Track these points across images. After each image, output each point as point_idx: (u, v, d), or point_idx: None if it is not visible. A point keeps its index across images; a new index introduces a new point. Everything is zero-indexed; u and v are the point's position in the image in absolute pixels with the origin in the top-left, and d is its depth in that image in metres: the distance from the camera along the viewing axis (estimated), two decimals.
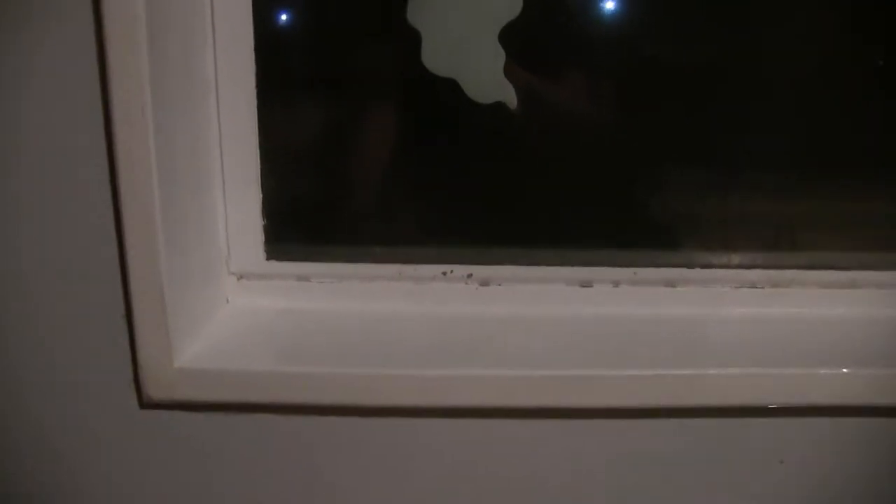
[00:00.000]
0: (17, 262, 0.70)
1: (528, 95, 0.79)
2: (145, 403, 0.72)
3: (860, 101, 0.83)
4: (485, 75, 0.78)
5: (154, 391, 0.70)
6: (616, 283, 0.83)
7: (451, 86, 0.77)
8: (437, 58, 0.77)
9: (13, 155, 0.67)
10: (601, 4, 0.78)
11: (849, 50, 0.82)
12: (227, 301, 0.82)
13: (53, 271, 0.70)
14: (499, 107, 0.78)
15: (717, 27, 0.81)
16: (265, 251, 0.82)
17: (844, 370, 0.71)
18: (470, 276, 0.82)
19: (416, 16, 0.76)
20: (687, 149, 0.84)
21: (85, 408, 0.74)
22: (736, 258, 0.84)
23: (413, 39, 0.76)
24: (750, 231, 0.86)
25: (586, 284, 0.83)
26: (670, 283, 0.83)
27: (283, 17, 0.79)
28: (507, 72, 0.78)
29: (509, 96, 0.78)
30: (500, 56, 0.77)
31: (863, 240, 0.87)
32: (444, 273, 0.82)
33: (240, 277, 0.82)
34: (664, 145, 0.83)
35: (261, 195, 0.80)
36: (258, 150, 0.78)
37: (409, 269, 0.82)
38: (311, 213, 0.85)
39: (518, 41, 0.77)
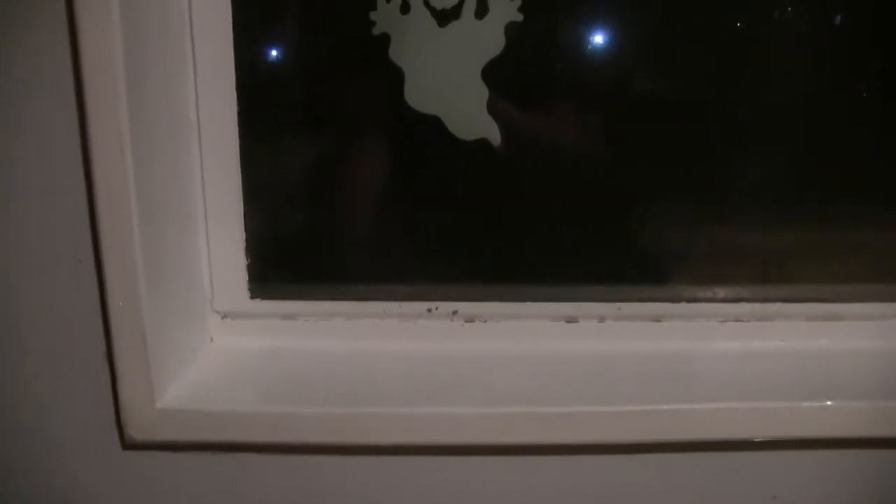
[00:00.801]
0: None
1: (511, 131, 0.79)
2: (128, 445, 0.71)
3: (845, 133, 0.84)
4: (468, 112, 0.78)
5: (136, 432, 0.70)
6: (601, 319, 0.83)
7: (435, 123, 0.78)
8: (420, 95, 0.78)
9: None
10: (585, 40, 0.79)
11: (832, 84, 0.83)
12: (211, 340, 0.81)
13: (33, 312, 0.70)
14: (482, 143, 0.78)
15: (702, 61, 0.81)
16: (249, 290, 0.81)
17: (829, 402, 0.71)
18: (455, 312, 0.82)
19: (399, 54, 0.77)
20: (670, 184, 0.84)
21: (66, 450, 0.74)
22: (721, 292, 0.84)
23: (396, 77, 0.77)
24: (734, 264, 0.86)
25: (572, 320, 0.83)
26: (656, 318, 0.83)
27: (266, 55, 0.79)
28: (491, 108, 0.78)
29: (492, 133, 0.78)
30: (483, 93, 0.78)
31: (846, 272, 0.87)
32: (430, 310, 0.82)
33: (224, 316, 0.82)
34: (648, 180, 0.83)
35: (244, 233, 0.80)
36: (241, 189, 0.78)
37: (395, 306, 0.82)
38: (295, 252, 0.84)
39: (501, 78, 0.77)
